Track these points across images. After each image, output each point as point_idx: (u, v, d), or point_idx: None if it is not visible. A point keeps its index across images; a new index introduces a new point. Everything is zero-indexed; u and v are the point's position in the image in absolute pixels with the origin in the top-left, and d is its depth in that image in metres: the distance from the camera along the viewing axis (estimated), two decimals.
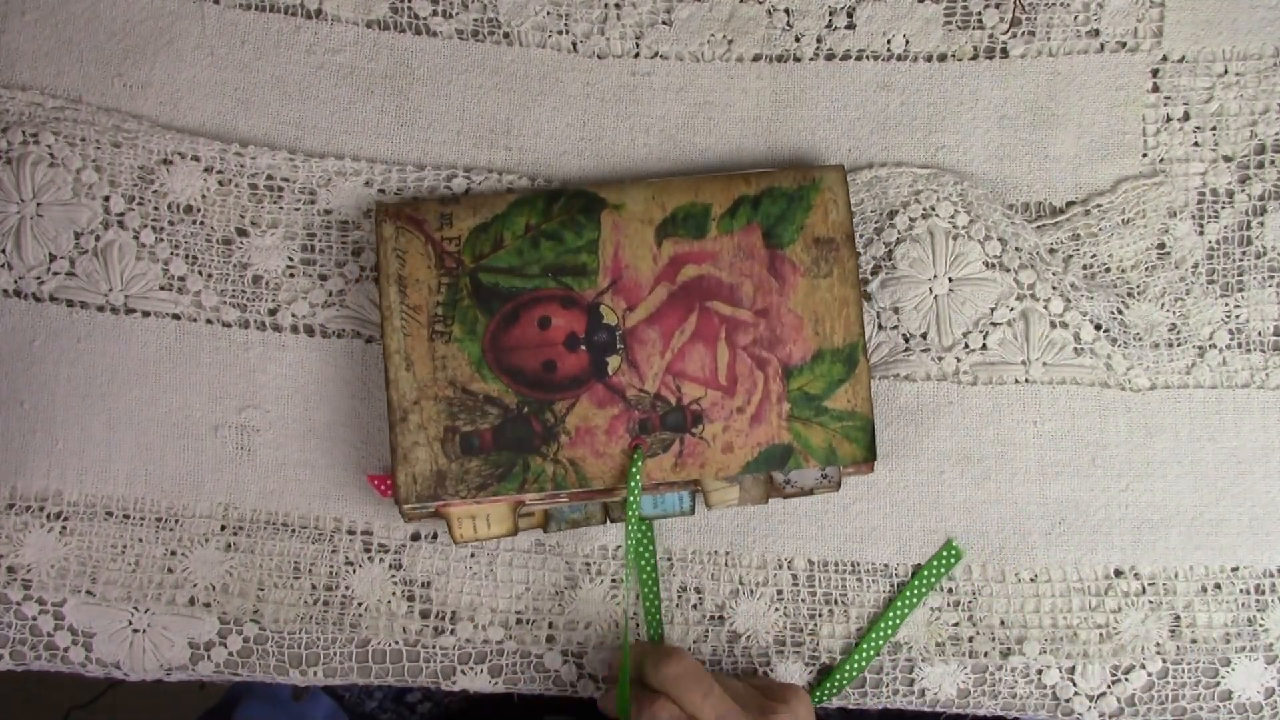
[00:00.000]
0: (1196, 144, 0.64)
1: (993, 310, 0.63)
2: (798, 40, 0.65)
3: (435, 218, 0.61)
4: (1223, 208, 0.64)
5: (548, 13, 0.65)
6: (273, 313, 0.64)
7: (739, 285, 0.61)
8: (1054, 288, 0.63)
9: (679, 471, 0.60)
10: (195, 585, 0.63)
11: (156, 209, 0.64)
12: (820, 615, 0.63)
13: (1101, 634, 0.63)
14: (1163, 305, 0.64)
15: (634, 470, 0.59)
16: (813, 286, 0.61)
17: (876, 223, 0.64)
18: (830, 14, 0.65)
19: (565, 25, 0.65)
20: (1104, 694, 0.63)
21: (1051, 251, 0.64)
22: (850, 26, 0.65)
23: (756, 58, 0.65)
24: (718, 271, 0.61)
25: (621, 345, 0.61)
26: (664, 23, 0.65)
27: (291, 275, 0.64)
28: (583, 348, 0.60)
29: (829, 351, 0.60)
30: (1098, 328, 0.63)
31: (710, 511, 0.64)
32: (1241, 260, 0.64)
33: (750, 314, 0.61)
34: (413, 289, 0.61)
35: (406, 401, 0.60)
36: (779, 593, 0.63)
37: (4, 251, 0.64)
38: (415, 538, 0.64)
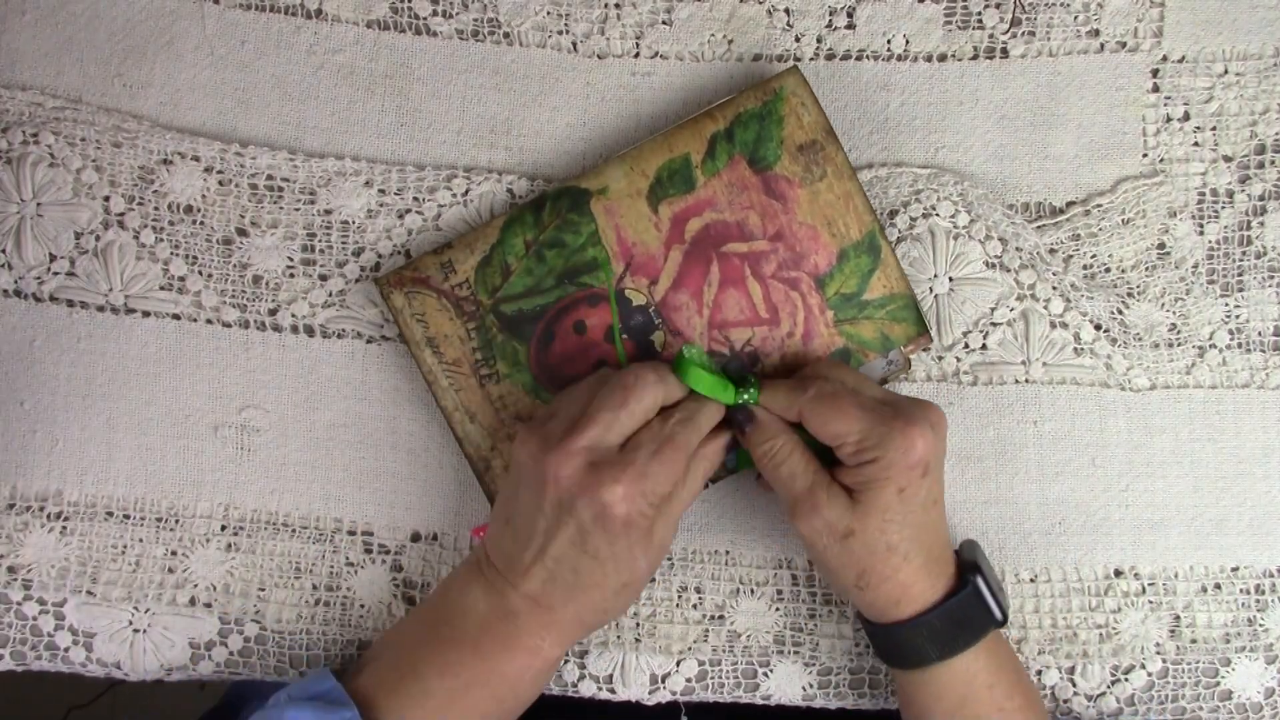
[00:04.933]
0: (1196, 144, 0.64)
1: (993, 310, 0.63)
2: (798, 40, 0.65)
3: (437, 270, 0.61)
4: (1223, 208, 0.64)
5: (548, 13, 0.65)
6: (273, 313, 0.64)
7: (744, 220, 0.61)
8: (1054, 288, 0.63)
9: None
10: (196, 585, 0.63)
11: (156, 209, 0.64)
12: (820, 615, 0.63)
13: (1101, 634, 0.63)
14: (1163, 305, 0.64)
15: (686, 369, 0.56)
16: (813, 193, 0.61)
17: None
18: (830, 14, 0.65)
19: (565, 25, 0.65)
20: (1104, 694, 0.63)
21: (1051, 251, 0.64)
22: (850, 26, 0.65)
23: (756, 58, 0.65)
24: (719, 215, 0.61)
25: (659, 319, 0.61)
26: (664, 23, 0.65)
27: (291, 275, 0.64)
28: (624, 337, 0.61)
29: (850, 248, 0.61)
30: (1098, 328, 0.63)
31: (718, 504, 0.64)
32: (1241, 260, 0.64)
33: (765, 243, 0.61)
34: (445, 346, 0.61)
35: (484, 451, 0.61)
36: (779, 593, 0.63)
37: (4, 251, 0.64)
38: (415, 538, 0.64)
